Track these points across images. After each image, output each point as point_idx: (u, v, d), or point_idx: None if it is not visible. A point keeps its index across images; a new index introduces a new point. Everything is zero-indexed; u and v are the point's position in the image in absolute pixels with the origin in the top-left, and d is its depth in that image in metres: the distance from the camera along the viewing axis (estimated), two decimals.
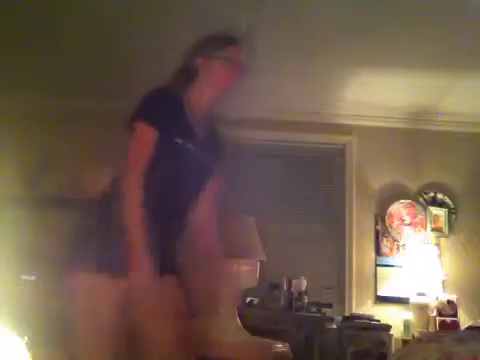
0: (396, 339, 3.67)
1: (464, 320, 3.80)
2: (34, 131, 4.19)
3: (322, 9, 2.92)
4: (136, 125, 1.81)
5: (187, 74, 1.94)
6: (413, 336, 3.71)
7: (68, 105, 4.25)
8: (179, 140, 1.80)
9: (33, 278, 3.50)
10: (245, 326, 3.21)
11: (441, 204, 4.19)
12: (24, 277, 3.48)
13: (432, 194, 4.22)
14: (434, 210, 4.16)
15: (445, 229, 4.13)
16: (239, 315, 3.24)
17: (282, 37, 3.26)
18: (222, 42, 1.97)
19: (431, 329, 3.78)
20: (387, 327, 3.63)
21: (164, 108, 1.82)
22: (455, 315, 3.81)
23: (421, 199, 4.21)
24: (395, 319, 3.82)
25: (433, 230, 4.12)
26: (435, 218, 4.15)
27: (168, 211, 1.81)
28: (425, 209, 4.15)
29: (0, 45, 3.48)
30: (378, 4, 2.84)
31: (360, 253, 4.14)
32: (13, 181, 3.95)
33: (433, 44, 3.21)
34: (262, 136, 4.37)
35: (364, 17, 2.97)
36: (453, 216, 4.17)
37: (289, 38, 3.26)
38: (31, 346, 2.02)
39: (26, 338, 2.04)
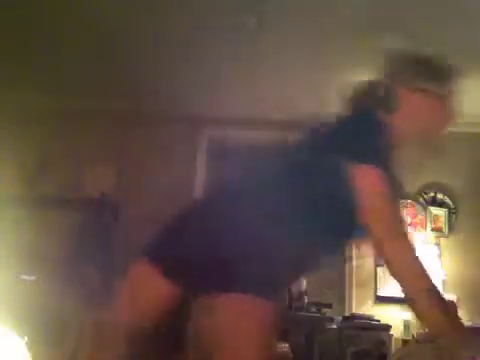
0: (396, 339, 3.67)
1: (464, 320, 3.80)
2: (34, 131, 4.19)
3: (322, 9, 2.92)
4: (362, 167, 1.40)
5: (385, 101, 1.55)
6: (413, 336, 3.71)
7: (68, 105, 4.26)
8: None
9: (33, 278, 3.49)
10: None
11: (441, 204, 4.19)
12: (24, 277, 3.48)
13: (432, 194, 4.22)
14: (434, 210, 4.16)
15: (445, 229, 4.13)
16: None
17: (282, 37, 3.26)
18: (434, 72, 1.58)
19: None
20: (387, 327, 3.63)
21: (383, 147, 1.47)
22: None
23: (421, 199, 4.21)
24: (395, 319, 3.82)
25: (433, 230, 4.12)
26: (435, 218, 4.15)
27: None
28: (425, 209, 4.15)
29: (0, 45, 3.49)
30: (378, 4, 2.84)
31: (360, 253, 4.14)
32: (13, 181, 3.95)
33: (433, 44, 3.21)
34: (262, 136, 4.37)
35: (364, 17, 2.97)
36: (453, 216, 4.17)
37: (289, 39, 3.26)
38: (31, 346, 2.02)
39: (26, 338, 2.03)
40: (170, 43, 3.40)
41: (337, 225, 1.45)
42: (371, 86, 1.61)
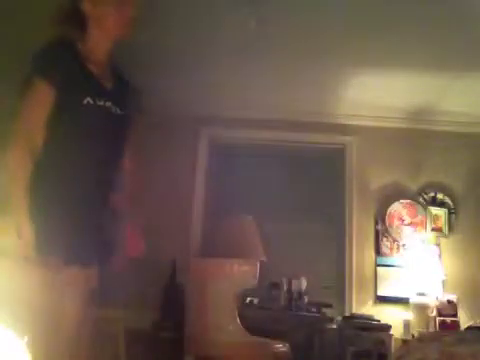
0: (396, 339, 3.67)
1: (464, 320, 3.80)
2: None
3: (322, 10, 2.92)
4: (33, 80, 1.69)
5: (77, 20, 1.77)
6: (413, 336, 3.71)
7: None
8: (84, 96, 1.69)
9: None
10: (245, 326, 3.21)
11: (441, 204, 4.19)
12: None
13: (432, 194, 4.22)
14: (434, 210, 4.16)
15: (445, 229, 4.13)
16: (239, 315, 3.24)
17: (282, 37, 3.26)
18: None
19: (431, 329, 3.78)
20: (387, 327, 3.63)
21: (62, 62, 1.69)
22: (455, 315, 3.81)
23: (421, 199, 4.21)
24: (395, 319, 3.82)
25: (433, 230, 4.12)
26: (435, 218, 4.15)
27: (89, 174, 1.72)
28: (425, 209, 4.15)
29: (0, 45, 3.49)
30: (378, 5, 2.84)
31: (360, 253, 4.14)
32: None
33: (433, 44, 3.21)
34: (262, 136, 4.38)
35: (364, 17, 2.97)
36: (453, 216, 4.17)
37: (289, 38, 3.26)
38: (31, 346, 2.02)
39: (26, 338, 2.03)
40: (170, 43, 3.40)
41: None
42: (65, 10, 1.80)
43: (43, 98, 1.66)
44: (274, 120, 4.31)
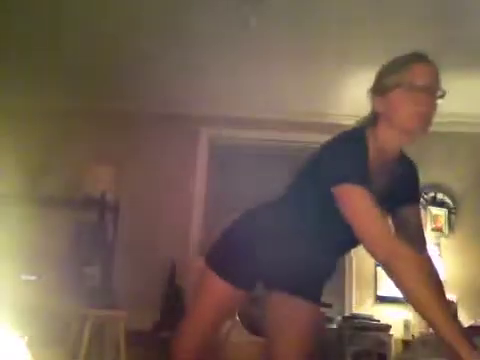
0: (396, 339, 3.67)
1: (464, 320, 3.80)
2: (34, 131, 4.19)
3: (322, 9, 2.92)
4: (346, 188, 1.50)
5: (369, 118, 1.73)
6: (413, 336, 3.71)
7: (68, 105, 4.26)
8: None
9: (33, 278, 3.49)
10: (245, 326, 3.21)
11: (441, 204, 4.19)
12: (24, 277, 3.48)
13: (432, 194, 4.22)
14: (434, 210, 4.16)
15: (445, 229, 4.13)
16: (239, 315, 3.24)
17: (282, 37, 3.26)
18: (400, 64, 1.59)
19: (431, 329, 3.78)
20: (387, 327, 3.63)
21: (364, 167, 1.56)
22: (455, 315, 3.81)
23: (421, 199, 4.21)
24: (395, 319, 3.82)
25: (433, 230, 4.12)
26: (435, 218, 4.15)
27: None
28: (425, 209, 4.15)
29: (0, 46, 3.49)
30: (378, 4, 2.85)
31: (360, 253, 4.14)
32: (13, 181, 3.95)
33: (432, 43, 3.21)
34: (262, 136, 4.38)
35: (364, 17, 2.97)
36: (453, 216, 4.17)
37: (289, 38, 3.27)
38: (31, 346, 2.02)
39: (26, 338, 2.03)
40: (170, 43, 3.41)
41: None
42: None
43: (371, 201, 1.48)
44: (274, 120, 4.31)
